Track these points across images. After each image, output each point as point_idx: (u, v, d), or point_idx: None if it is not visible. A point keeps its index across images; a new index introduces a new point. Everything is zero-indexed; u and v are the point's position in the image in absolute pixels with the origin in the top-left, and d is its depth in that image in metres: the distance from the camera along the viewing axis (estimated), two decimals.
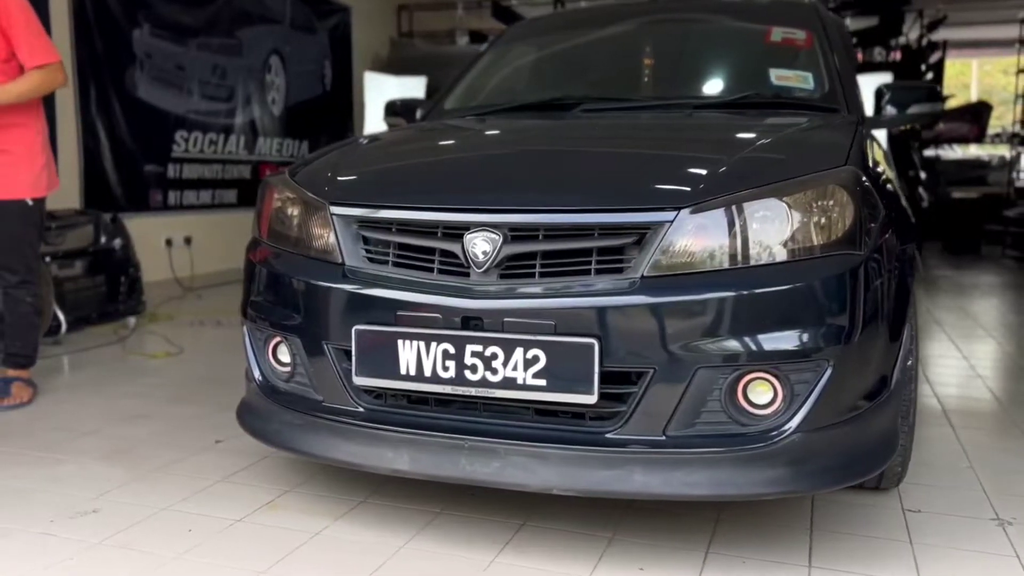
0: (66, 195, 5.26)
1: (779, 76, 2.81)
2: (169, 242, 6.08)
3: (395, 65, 8.44)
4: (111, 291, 4.93)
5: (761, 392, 1.78)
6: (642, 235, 1.80)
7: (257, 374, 2.23)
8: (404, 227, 1.98)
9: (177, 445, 2.72)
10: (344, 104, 8.31)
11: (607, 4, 3.77)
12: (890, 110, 2.83)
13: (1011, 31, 10.22)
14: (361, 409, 2.01)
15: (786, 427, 1.77)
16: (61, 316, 4.26)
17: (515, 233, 1.86)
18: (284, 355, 2.18)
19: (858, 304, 1.80)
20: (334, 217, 2.06)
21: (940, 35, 9.68)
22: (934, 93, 2.86)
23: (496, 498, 2.21)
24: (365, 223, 2.03)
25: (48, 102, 5.07)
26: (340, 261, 2.03)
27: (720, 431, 1.79)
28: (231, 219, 6.78)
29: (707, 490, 1.75)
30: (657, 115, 2.56)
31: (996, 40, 10.84)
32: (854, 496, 2.28)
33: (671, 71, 2.97)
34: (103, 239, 4.92)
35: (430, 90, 7.62)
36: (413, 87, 7.74)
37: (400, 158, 2.43)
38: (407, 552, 1.97)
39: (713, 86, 2.85)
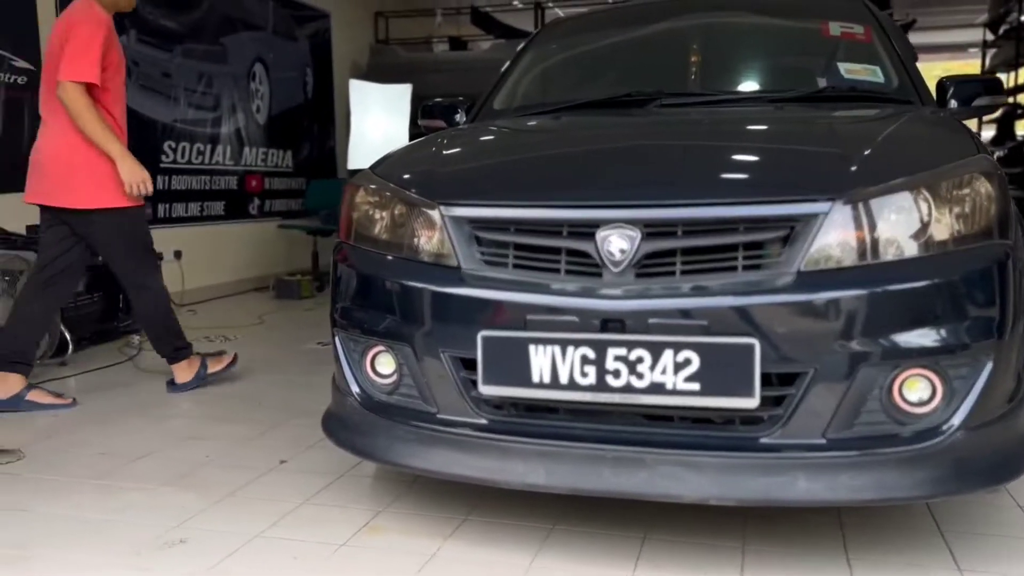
0: None
1: (848, 70, 2.77)
2: (160, 256, 5.81)
3: (375, 72, 8.29)
4: (109, 308, 4.69)
5: (920, 390, 1.72)
6: (791, 228, 1.73)
7: (355, 387, 2.09)
8: (525, 226, 1.88)
9: (241, 467, 2.55)
10: (326, 112, 8.11)
11: (644, 2, 3.72)
12: (953, 104, 2.82)
13: (974, 35, 10.54)
14: (484, 420, 1.89)
15: (948, 425, 1.71)
16: (67, 336, 4.02)
17: (651, 230, 1.77)
18: (385, 365, 2.05)
19: (1009, 295, 1.75)
20: (446, 218, 1.94)
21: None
22: (996, 86, 2.85)
23: (609, 510, 2.10)
24: (480, 223, 1.92)
25: (35, 109, 4.83)
26: (455, 264, 1.91)
27: (879, 432, 1.72)
28: (219, 232, 6.54)
29: (874, 494, 1.68)
30: (746, 109, 2.49)
31: (957, 44, 11.16)
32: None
33: (736, 65, 2.92)
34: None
35: (416, 98, 7.51)
36: (398, 95, 7.61)
37: (502, 155, 2.32)
38: (538, 571, 1.86)
39: (785, 80, 2.80)
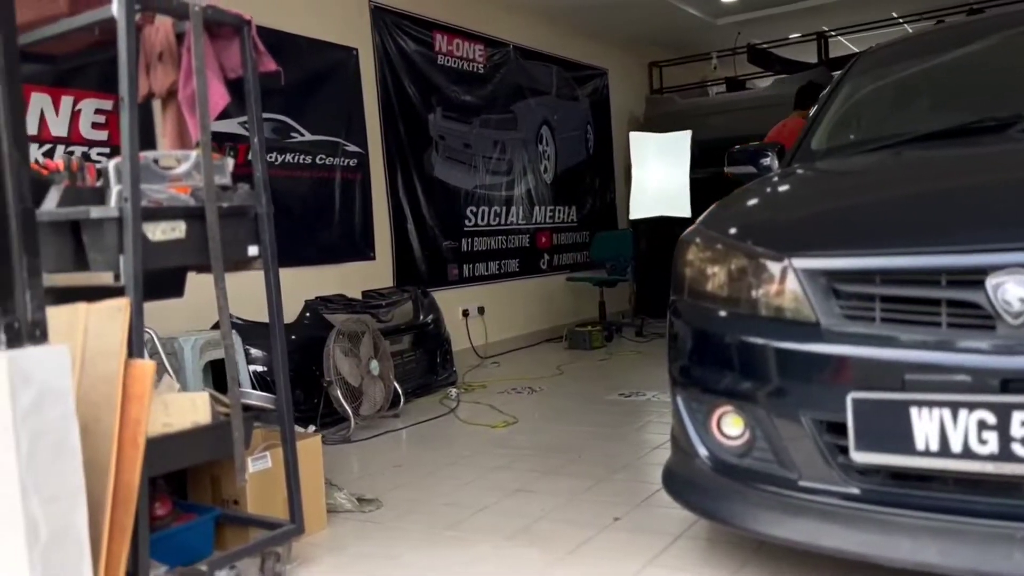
0: (382, 274, 5.55)
1: None
2: (466, 313, 6.24)
3: (652, 122, 8.37)
4: (430, 363, 5.07)
5: None
6: None
7: (702, 449, 2.03)
8: (894, 276, 1.72)
9: (575, 522, 2.59)
10: (606, 166, 8.32)
11: (972, 19, 3.36)
12: None
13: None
14: (855, 490, 1.74)
15: None
16: (399, 389, 4.39)
17: None
18: (733, 427, 1.97)
19: None
20: (797, 270, 1.84)
21: None
22: None
23: None
24: (839, 275, 1.79)
25: (364, 187, 5.44)
26: (813, 320, 1.80)
27: None
28: (515, 287, 6.89)
29: None
30: None
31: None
32: None
33: None
34: (421, 314, 5.10)
35: (697, 144, 7.45)
36: (677, 142, 7.59)
37: (851, 198, 2.18)
38: None
39: None
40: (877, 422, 1.65)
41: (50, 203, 1.93)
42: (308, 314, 4.38)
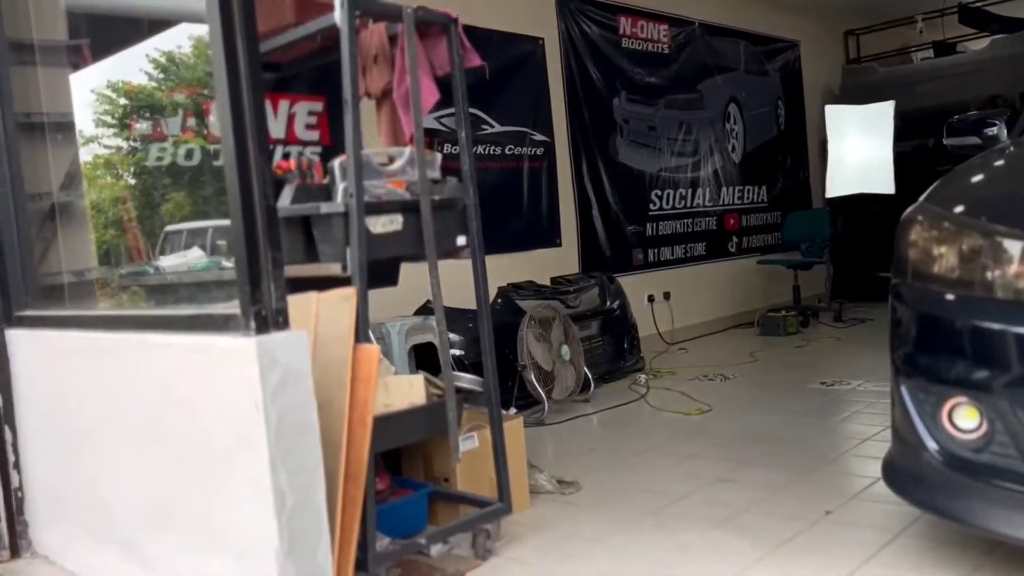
0: (567, 260, 5.61)
1: None
2: (651, 298, 6.18)
3: (849, 94, 7.87)
4: (617, 349, 5.07)
5: None
6: None
7: (930, 442, 1.90)
8: None
9: (783, 515, 2.50)
10: (798, 142, 7.92)
11: None
12: None
13: None
14: None
15: None
16: (589, 375, 4.43)
17: None
18: (967, 419, 1.82)
19: None
20: None
21: None
22: None
23: None
24: None
25: (550, 174, 5.52)
26: None
27: None
28: (702, 271, 6.74)
29: None
30: None
31: None
32: None
33: None
34: (607, 300, 5.11)
35: (900, 115, 6.93)
36: (879, 114, 7.10)
37: None
38: None
39: None
40: None
41: (284, 200, 2.11)
42: (500, 300, 4.51)
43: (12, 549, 2.67)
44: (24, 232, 2.68)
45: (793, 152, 7.85)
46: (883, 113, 7.03)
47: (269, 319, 1.76)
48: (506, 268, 4.92)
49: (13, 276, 2.63)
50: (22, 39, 2.87)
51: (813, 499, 2.61)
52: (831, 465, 2.97)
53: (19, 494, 2.70)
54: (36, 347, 2.58)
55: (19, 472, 2.69)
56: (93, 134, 3.76)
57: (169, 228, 3.92)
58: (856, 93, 7.72)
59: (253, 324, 1.73)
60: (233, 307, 1.78)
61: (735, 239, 7.13)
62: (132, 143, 3.85)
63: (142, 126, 3.82)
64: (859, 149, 7.08)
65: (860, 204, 7.00)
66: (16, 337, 2.64)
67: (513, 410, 3.05)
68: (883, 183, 6.70)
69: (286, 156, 3.97)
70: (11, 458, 2.68)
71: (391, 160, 2.25)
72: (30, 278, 2.68)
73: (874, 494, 2.58)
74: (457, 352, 4.16)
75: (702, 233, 6.79)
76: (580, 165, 5.76)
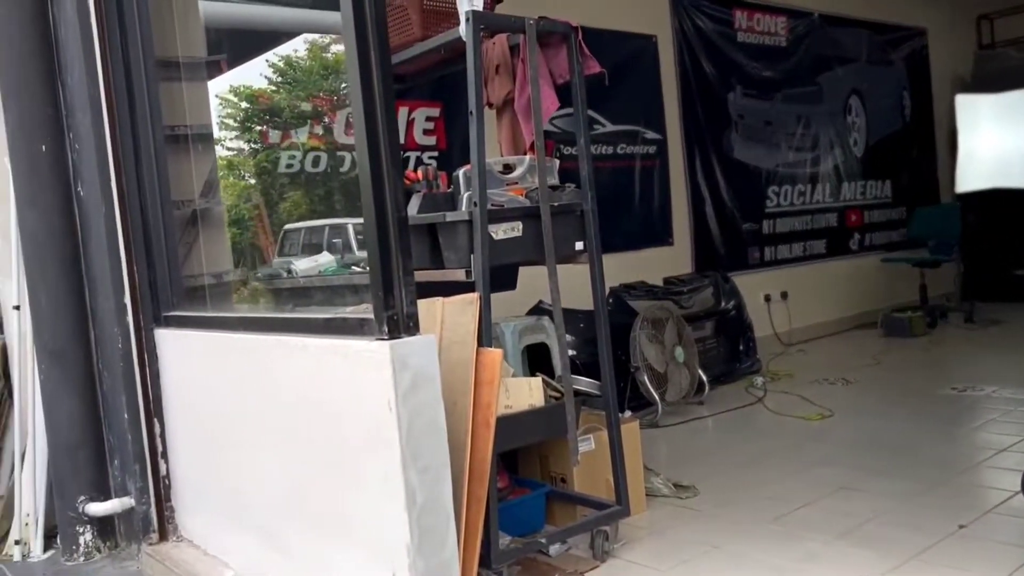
0: (680, 259, 5.55)
1: None
2: (768, 298, 6.03)
3: (982, 82, 7.43)
4: (732, 350, 4.99)
5: None
6: None
7: None
8: None
9: (912, 526, 2.42)
10: (926, 134, 7.54)
11: None
12: None
13: None
14: None
15: None
16: (703, 376, 4.37)
17: None
18: None
19: None
20: None
21: None
22: None
23: None
24: None
25: (663, 173, 5.47)
26: None
27: None
28: (822, 269, 6.52)
29: None
30: None
31: None
32: None
33: None
34: (722, 300, 5.03)
35: None
36: (1017, 102, 6.69)
37: None
38: None
39: None
40: None
41: (412, 209, 2.19)
42: (612, 300, 4.52)
43: (161, 532, 2.89)
44: (171, 238, 2.88)
45: (920, 144, 7.49)
46: (1020, 101, 6.62)
47: (401, 324, 1.83)
48: (617, 267, 4.91)
49: (162, 279, 2.83)
50: (168, 57, 3.09)
51: (945, 511, 2.50)
52: (964, 476, 2.85)
53: (167, 481, 2.91)
54: (181, 345, 2.77)
55: (167, 461, 2.90)
56: (217, 137, 3.98)
57: (288, 227, 4.12)
58: (990, 80, 7.29)
59: (386, 328, 1.81)
60: (366, 311, 1.87)
61: (857, 236, 6.88)
62: (253, 146, 4.05)
63: (274, 135, 4.02)
64: (993, 140, 6.69)
65: (995, 198, 6.62)
66: (164, 336, 2.84)
67: (628, 413, 3.05)
68: (1020, 176, 6.31)
69: (405, 162, 4.10)
70: (159, 448, 2.90)
71: (508, 168, 2.30)
72: (176, 281, 2.88)
73: (1012, 508, 2.46)
74: (570, 352, 4.20)
75: (822, 230, 6.58)
76: (693, 162, 5.68)
